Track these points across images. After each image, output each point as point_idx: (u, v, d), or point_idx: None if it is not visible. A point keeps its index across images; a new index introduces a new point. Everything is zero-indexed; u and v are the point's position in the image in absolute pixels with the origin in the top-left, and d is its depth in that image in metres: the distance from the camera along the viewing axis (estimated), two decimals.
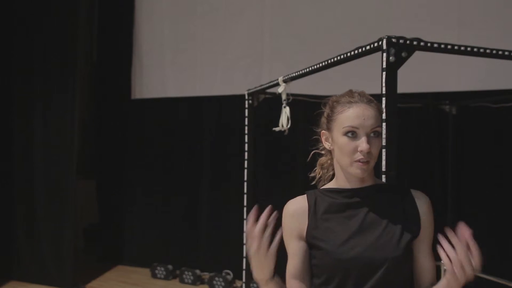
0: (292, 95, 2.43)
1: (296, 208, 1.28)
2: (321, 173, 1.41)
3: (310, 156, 1.43)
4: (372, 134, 1.19)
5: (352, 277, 1.17)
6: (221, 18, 4.37)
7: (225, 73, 4.32)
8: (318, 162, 1.42)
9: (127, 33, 4.87)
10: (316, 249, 1.24)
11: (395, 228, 1.20)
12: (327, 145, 1.30)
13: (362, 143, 1.17)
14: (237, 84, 4.08)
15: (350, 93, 1.26)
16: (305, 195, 1.31)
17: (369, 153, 1.18)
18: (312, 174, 1.43)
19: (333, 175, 1.34)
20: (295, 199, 1.31)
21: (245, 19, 4.24)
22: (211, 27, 4.41)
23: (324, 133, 1.30)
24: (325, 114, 1.29)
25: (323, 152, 1.39)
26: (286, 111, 2.41)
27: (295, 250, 1.26)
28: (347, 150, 1.19)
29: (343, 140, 1.20)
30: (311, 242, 1.24)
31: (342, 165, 1.24)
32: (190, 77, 4.52)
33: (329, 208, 1.25)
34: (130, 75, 4.87)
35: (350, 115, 1.20)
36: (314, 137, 1.34)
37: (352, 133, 1.19)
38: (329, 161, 1.38)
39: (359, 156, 1.18)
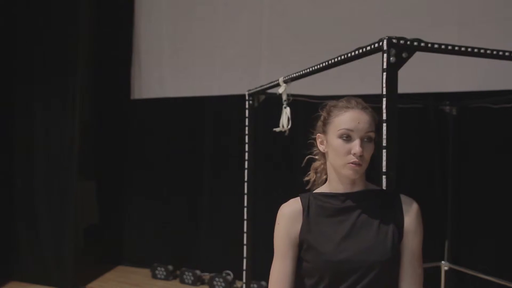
0: (293, 95, 2.43)
1: (292, 211, 1.31)
2: (315, 177, 1.45)
3: (304, 161, 1.46)
4: (365, 139, 1.24)
5: (342, 279, 1.19)
6: (219, 17, 4.37)
7: (224, 73, 4.32)
8: (312, 166, 1.46)
9: (126, 33, 4.87)
10: (308, 251, 1.26)
11: (385, 233, 1.23)
12: (321, 147, 1.34)
13: (356, 146, 1.22)
14: (235, 84, 4.08)
15: (348, 99, 1.31)
16: (299, 197, 1.34)
17: (361, 156, 1.22)
18: (306, 178, 1.47)
19: (326, 179, 1.37)
20: (289, 201, 1.34)
21: (243, 19, 4.23)
22: (209, 26, 4.41)
23: (319, 136, 1.34)
24: (322, 118, 1.34)
25: (316, 157, 1.42)
26: (286, 112, 2.41)
27: (289, 252, 1.28)
28: (341, 152, 1.24)
29: (337, 142, 1.25)
30: (303, 243, 1.26)
31: (335, 166, 1.28)
32: (189, 77, 4.52)
33: (322, 212, 1.28)
34: (130, 76, 4.87)
35: (345, 118, 1.25)
36: (309, 141, 1.37)
37: (346, 136, 1.24)
38: (322, 166, 1.41)
39: (352, 158, 1.22)
